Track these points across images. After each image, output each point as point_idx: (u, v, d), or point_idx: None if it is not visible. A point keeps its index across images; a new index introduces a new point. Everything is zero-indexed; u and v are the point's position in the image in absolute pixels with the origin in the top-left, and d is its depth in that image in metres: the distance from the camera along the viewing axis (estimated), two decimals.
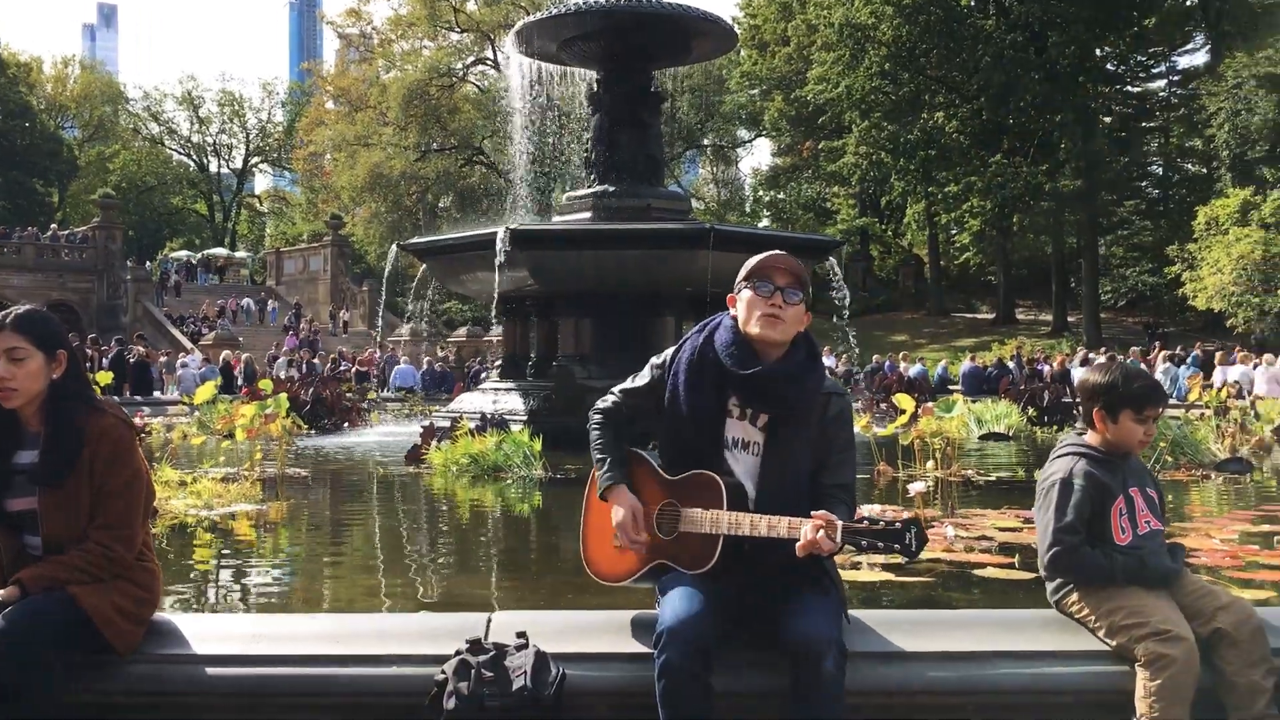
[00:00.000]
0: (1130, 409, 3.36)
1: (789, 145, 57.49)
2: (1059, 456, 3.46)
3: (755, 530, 3.02)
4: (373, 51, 63.05)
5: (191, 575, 5.77)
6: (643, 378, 3.41)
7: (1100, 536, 3.30)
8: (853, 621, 3.23)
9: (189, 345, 37.24)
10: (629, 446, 3.38)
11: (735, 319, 3.29)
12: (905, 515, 2.95)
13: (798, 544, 2.93)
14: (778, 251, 3.29)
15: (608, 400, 3.43)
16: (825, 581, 3.13)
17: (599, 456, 3.34)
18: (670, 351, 3.39)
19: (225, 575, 5.90)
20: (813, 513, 2.96)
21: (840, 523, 2.93)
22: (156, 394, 24.65)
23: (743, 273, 3.30)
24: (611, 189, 14.35)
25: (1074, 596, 3.32)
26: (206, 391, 12.18)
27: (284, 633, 3.40)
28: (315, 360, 29.28)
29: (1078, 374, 23.38)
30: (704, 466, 3.19)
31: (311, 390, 16.46)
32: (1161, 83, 48.66)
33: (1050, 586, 3.42)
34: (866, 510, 6.31)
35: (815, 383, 3.25)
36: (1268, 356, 23.49)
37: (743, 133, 62.99)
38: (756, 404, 3.23)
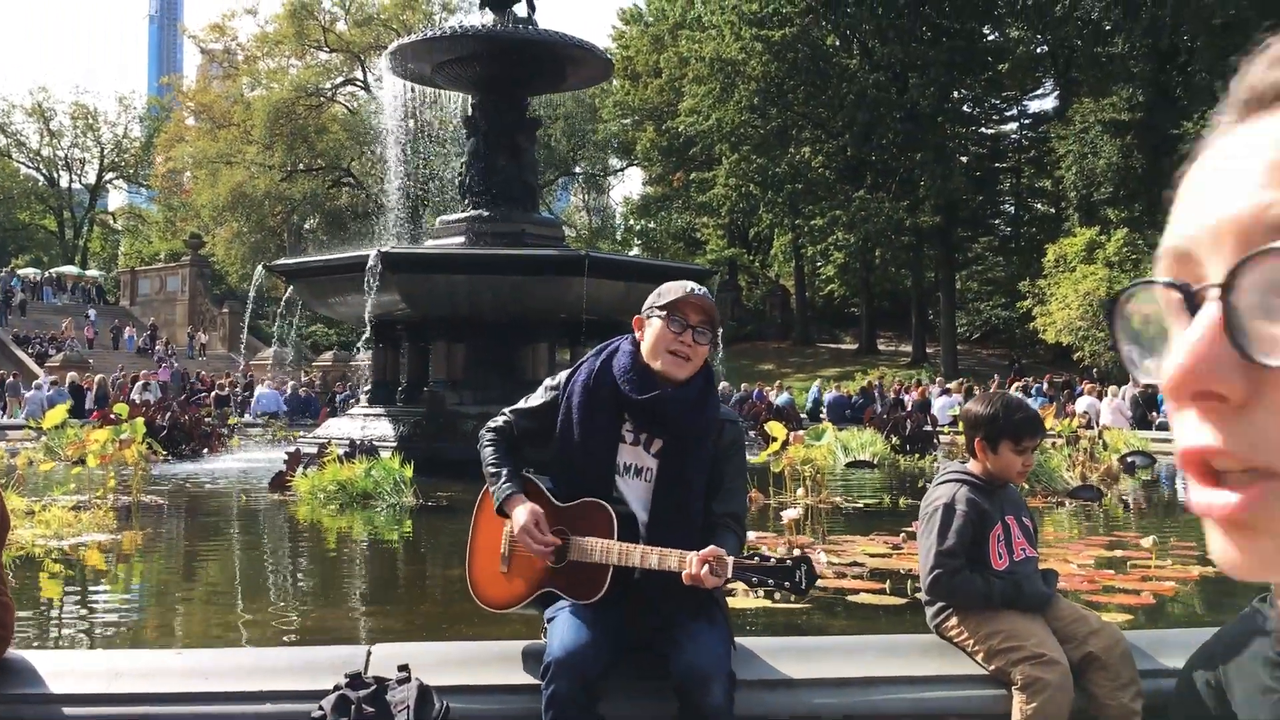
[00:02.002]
0: (1010, 440, 3.47)
1: (660, 175, 58.09)
2: (942, 483, 3.53)
3: (645, 562, 3.00)
4: (237, 68, 61.40)
5: (42, 609, 5.46)
6: (537, 398, 3.35)
7: (979, 562, 3.38)
8: (739, 649, 3.23)
9: (34, 367, 35.49)
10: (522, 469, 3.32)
11: (636, 344, 3.24)
12: (797, 551, 2.97)
13: (683, 574, 2.93)
14: (695, 288, 3.20)
15: (499, 419, 3.36)
16: (713, 610, 3.13)
17: (493, 470, 3.25)
18: (566, 373, 3.34)
19: (78, 609, 5.60)
20: (709, 548, 2.94)
21: (730, 558, 2.93)
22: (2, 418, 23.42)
23: (658, 300, 3.20)
24: (486, 213, 14.25)
25: (953, 620, 3.39)
26: (57, 415, 11.60)
27: (147, 669, 3.23)
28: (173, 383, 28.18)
29: (937, 404, 24.14)
30: (595, 491, 3.15)
31: (169, 415, 15.83)
32: (1014, 125, 50.95)
33: (930, 611, 3.49)
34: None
35: (711, 409, 3.25)
36: (1112, 388, 24.66)
37: (614, 161, 63.43)
38: (651, 428, 3.20)
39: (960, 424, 3.71)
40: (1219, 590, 6.15)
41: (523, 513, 3.12)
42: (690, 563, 2.91)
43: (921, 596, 3.55)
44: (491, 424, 3.36)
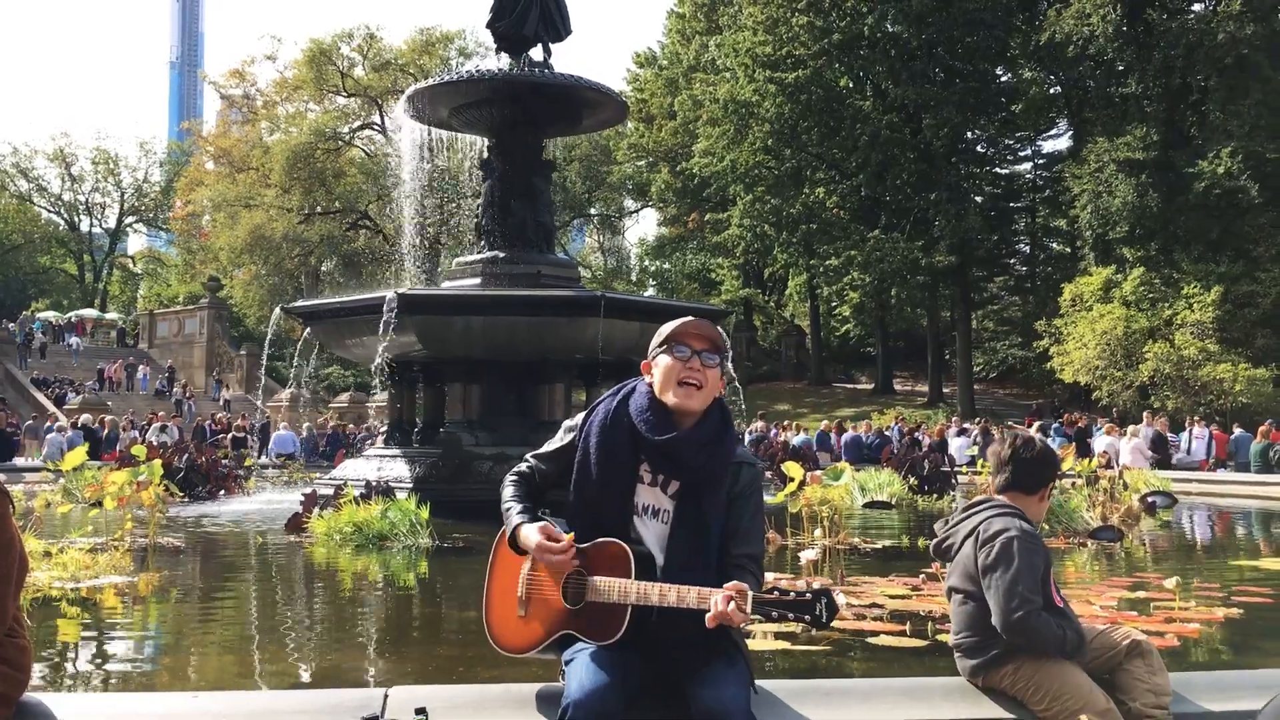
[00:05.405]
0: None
1: (675, 216, 58.38)
2: (997, 515, 3.35)
3: (665, 600, 2.98)
4: (256, 113, 62.23)
5: (58, 652, 5.45)
6: (556, 441, 3.37)
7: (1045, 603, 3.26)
8: (760, 691, 3.20)
9: (52, 409, 35.67)
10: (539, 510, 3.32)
11: (651, 385, 3.26)
12: (816, 585, 2.94)
13: (708, 615, 2.90)
14: (694, 318, 3.28)
15: (522, 465, 3.39)
16: (733, 651, 3.10)
17: (509, 506, 3.25)
18: (583, 415, 3.35)
19: (95, 652, 5.58)
20: (725, 585, 2.92)
21: (750, 593, 2.91)
22: (19, 460, 23.52)
23: (658, 338, 3.26)
24: (502, 255, 14.32)
25: (1015, 670, 3.24)
26: (75, 457, 11.63)
27: (164, 712, 3.23)
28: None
29: (955, 443, 23.98)
30: (612, 532, 3.14)
31: (186, 456, 15.87)
32: (1028, 165, 51.06)
33: (976, 660, 3.34)
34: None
35: (728, 450, 3.23)
36: (1132, 428, 24.49)
37: (629, 203, 63.77)
38: (668, 470, 3.20)
39: (1024, 464, 3.45)
40: (1244, 632, 6.07)
41: (533, 531, 3.11)
42: (714, 601, 2.89)
43: (952, 638, 3.45)
44: (514, 470, 3.39)
